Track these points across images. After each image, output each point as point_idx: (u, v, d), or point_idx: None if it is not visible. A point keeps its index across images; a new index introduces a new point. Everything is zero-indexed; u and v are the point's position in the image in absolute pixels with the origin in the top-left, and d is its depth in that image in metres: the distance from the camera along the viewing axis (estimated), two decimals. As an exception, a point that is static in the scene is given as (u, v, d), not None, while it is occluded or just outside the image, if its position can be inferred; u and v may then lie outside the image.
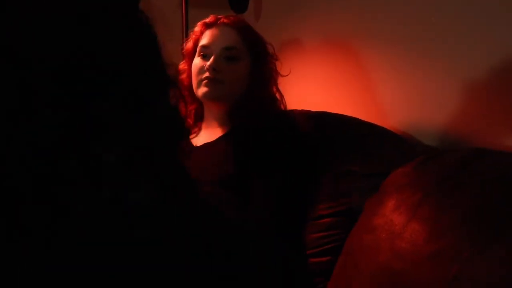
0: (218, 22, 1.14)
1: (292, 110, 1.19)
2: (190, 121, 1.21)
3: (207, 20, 1.17)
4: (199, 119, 1.22)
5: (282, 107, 1.19)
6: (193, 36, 1.18)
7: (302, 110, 1.29)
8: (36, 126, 0.32)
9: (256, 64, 1.15)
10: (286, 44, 1.62)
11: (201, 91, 1.11)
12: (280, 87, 1.23)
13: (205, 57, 1.13)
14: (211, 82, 1.09)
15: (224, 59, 1.11)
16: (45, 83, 0.34)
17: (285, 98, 1.22)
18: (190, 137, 1.19)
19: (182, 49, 1.21)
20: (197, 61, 1.14)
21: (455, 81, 1.09)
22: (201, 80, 1.11)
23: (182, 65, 1.21)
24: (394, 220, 0.83)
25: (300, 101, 1.47)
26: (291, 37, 1.61)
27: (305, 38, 1.57)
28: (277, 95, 1.19)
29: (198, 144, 1.15)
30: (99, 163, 0.34)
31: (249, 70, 1.14)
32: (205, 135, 1.17)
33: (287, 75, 1.23)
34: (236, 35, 1.12)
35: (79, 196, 0.34)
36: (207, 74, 1.10)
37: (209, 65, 1.09)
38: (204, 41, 1.14)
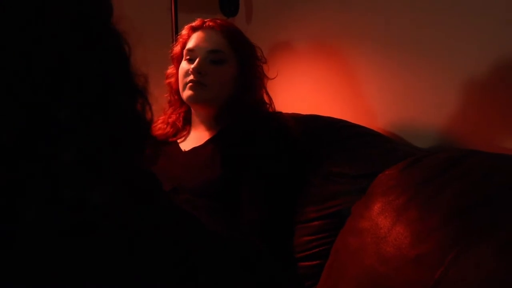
0: (204, 25, 1.14)
1: (280, 113, 1.18)
2: (178, 124, 1.20)
3: (193, 23, 1.17)
4: (187, 123, 1.21)
5: (271, 110, 1.18)
6: (181, 40, 1.18)
7: (291, 113, 1.29)
8: None
9: (243, 67, 1.14)
10: (277, 47, 1.62)
11: (186, 94, 1.11)
12: (270, 90, 1.23)
13: (190, 61, 1.13)
14: (195, 85, 1.09)
15: (209, 62, 1.10)
16: (1, 85, 0.33)
17: (275, 102, 1.22)
18: (179, 141, 1.19)
19: (171, 53, 1.21)
20: (183, 65, 1.14)
21: (444, 83, 1.09)
22: (186, 84, 1.11)
23: (171, 69, 1.21)
24: (380, 224, 0.83)
25: (290, 104, 1.47)
26: (282, 40, 1.61)
27: (296, 41, 1.57)
28: (266, 99, 1.18)
29: (187, 149, 1.14)
30: (56, 163, 0.34)
31: (236, 73, 1.14)
32: (194, 139, 1.17)
33: (274, 78, 1.22)
34: (222, 38, 1.12)
35: (36, 195, 0.34)
36: (191, 77, 1.10)
37: (193, 68, 1.09)
38: (189, 44, 1.14)
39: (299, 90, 1.54)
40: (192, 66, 1.09)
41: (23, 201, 0.33)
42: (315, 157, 1.10)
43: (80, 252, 0.35)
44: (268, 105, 1.18)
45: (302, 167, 1.09)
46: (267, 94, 1.20)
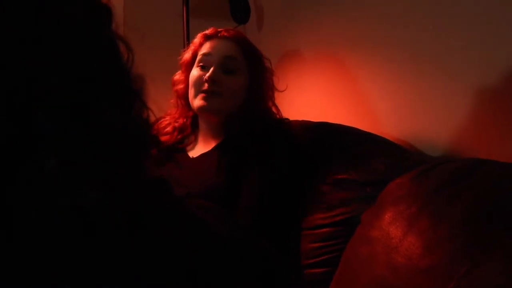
0: (219, 34, 1.15)
1: (287, 119, 1.18)
2: (186, 130, 1.20)
3: (207, 32, 1.17)
4: (195, 128, 1.21)
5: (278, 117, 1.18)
6: (192, 47, 1.18)
7: (301, 121, 1.29)
8: None
9: (253, 78, 1.14)
10: (287, 54, 1.63)
11: (197, 103, 1.11)
12: (280, 98, 1.23)
13: (203, 68, 1.13)
14: (209, 95, 1.09)
15: (223, 71, 1.11)
16: None
17: (285, 109, 1.22)
18: (187, 148, 1.19)
19: (180, 59, 1.21)
20: (195, 72, 1.14)
21: (455, 91, 1.08)
22: (199, 92, 1.11)
23: (179, 76, 1.21)
24: (391, 233, 0.82)
25: (299, 111, 1.47)
26: (292, 47, 1.62)
27: (305, 49, 1.57)
28: (273, 109, 1.18)
29: (195, 155, 1.14)
30: (40, 170, 0.34)
31: (247, 83, 1.14)
32: (201, 145, 1.17)
33: (283, 91, 1.22)
34: (236, 47, 1.13)
35: (23, 203, 0.34)
36: (205, 86, 1.09)
37: (208, 76, 1.08)
38: (204, 50, 1.14)
39: (309, 97, 1.54)
40: (208, 74, 1.09)
41: (18, 208, 0.34)
42: (324, 163, 1.09)
43: (79, 252, 0.36)
44: (275, 115, 1.18)
45: (308, 172, 1.09)
46: (275, 105, 1.19)
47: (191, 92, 1.14)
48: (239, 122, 1.11)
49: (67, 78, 0.36)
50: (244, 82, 1.13)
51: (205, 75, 1.09)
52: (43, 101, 0.35)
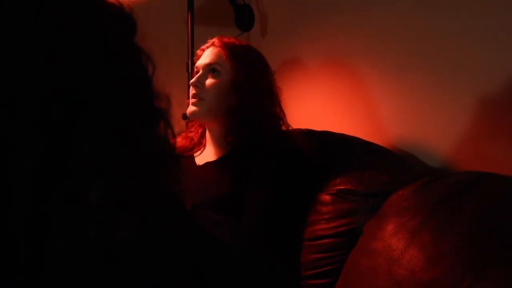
0: (210, 44, 1.18)
1: (289, 131, 1.18)
2: (195, 138, 1.23)
3: (203, 46, 1.20)
4: (204, 137, 1.23)
5: (284, 127, 1.18)
6: (195, 59, 1.22)
7: (304, 129, 1.29)
8: (15, 168, 0.32)
9: (243, 79, 1.13)
10: (291, 63, 1.63)
11: (188, 110, 1.15)
12: (284, 105, 1.22)
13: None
14: (195, 99, 1.13)
15: (207, 74, 1.14)
16: (24, 122, 0.33)
17: (288, 117, 1.21)
18: (195, 155, 1.20)
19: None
20: None
21: (459, 102, 1.08)
22: (190, 99, 1.15)
23: None
24: (393, 245, 0.82)
25: (303, 119, 1.47)
26: (296, 55, 1.62)
27: (309, 57, 1.57)
28: (280, 114, 1.18)
29: (201, 163, 1.15)
30: (85, 203, 0.33)
31: (234, 84, 1.13)
32: (208, 154, 1.18)
33: (282, 94, 1.22)
34: (220, 52, 1.14)
35: (64, 235, 0.33)
36: (192, 92, 1.14)
37: (191, 82, 1.14)
38: (196, 63, 1.19)
39: (312, 105, 1.54)
40: (191, 80, 1.15)
41: (51, 238, 0.33)
42: (327, 174, 1.09)
43: (96, 276, 0.35)
44: (281, 121, 1.18)
45: (310, 183, 1.09)
46: (281, 109, 1.19)
47: None
48: (243, 135, 1.11)
49: (111, 98, 0.36)
50: (229, 82, 1.13)
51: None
52: (86, 128, 0.34)
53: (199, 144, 1.22)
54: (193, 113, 1.13)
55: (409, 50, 1.21)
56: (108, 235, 0.34)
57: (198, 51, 1.21)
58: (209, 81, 1.12)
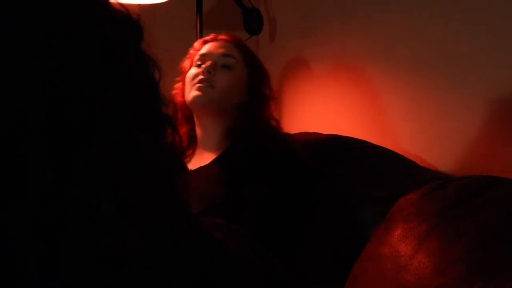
0: (217, 38, 1.15)
1: (288, 134, 1.16)
2: (184, 144, 1.16)
3: (207, 37, 1.17)
4: (192, 142, 1.17)
5: (280, 130, 1.15)
6: (191, 52, 1.17)
7: (312, 133, 1.28)
8: (30, 180, 0.32)
9: (252, 80, 1.12)
10: (300, 66, 1.62)
11: (191, 95, 1.08)
12: (292, 109, 1.22)
13: (200, 66, 1.11)
14: (204, 85, 1.06)
15: (220, 65, 1.10)
16: (36, 136, 0.33)
17: (296, 121, 1.21)
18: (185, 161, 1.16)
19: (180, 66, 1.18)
20: (192, 70, 1.12)
21: (468, 106, 1.07)
22: (194, 85, 1.08)
23: (177, 88, 1.18)
24: (400, 251, 0.80)
25: (312, 123, 1.46)
26: (305, 59, 1.61)
27: (318, 60, 1.57)
28: (273, 122, 1.15)
29: (192, 168, 1.10)
30: (96, 213, 0.33)
31: (244, 83, 1.12)
32: (199, 158, 1.13)
33: (278, 97, 1.21)
34: (234, 47, 1.13)
35: (76, 243, 0.33)
36: (200, 77, 1.07)
37: (205, 67, 1.08)
38: (202, 51, 1.14)
39: (320, 109, 1.53)
40: (204, 65, 1.08)
41: (63, 244, 0.33)
42: (334, 177, 1.08)
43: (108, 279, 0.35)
44: (277, 126, 1.15)
45: (314, 187, 1.07)
46: (274, 118, 1.16)
47: (186, 89, 1.11)
48: (239, 134, 1.08)
49: (118, 106, 0.36)
50: (241, 80, 1.11)
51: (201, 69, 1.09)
52: (96, 138, 0.34)
53: (188, 149, 1.17)
54: (197, 98, 1.06)
55: (417, 53, 1.20)
56: (120, 242, 0.34)
57: (200, 44, 1.16)
58: (222, 71, 1.08)
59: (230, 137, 1.10)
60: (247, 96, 1.12)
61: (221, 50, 1.11)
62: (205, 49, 1.13)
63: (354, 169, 1.09)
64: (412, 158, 1.13)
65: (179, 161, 0.44)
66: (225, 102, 1.09)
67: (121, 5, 0.43)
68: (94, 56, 0.36)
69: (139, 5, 1.35)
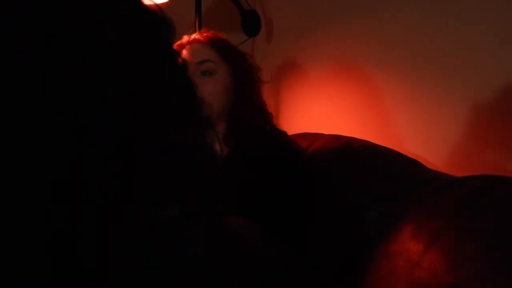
0: (191, 39, 1.13)
1: (286, 134, 1.16)
2: None
3: (182, 41, 1.14)
4: None
5: (274, 123, 1.15)
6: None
7: (314, 133, 1.29)
8: (91, 193, 0.32)
9: (236, 77, 1.10)
10: (297, 68, 1.63)
11: None
12: (290, 110, 1.23)
13: None
14: None
15: (199, 74, 1.08)
16: (96, 152, 0.33)
17: (292, 122, 1.22)
18: None
19: None
20: None
21: (471, 106, 1.09)
22: None
23: None
24: (412, 248, 0.82)
25: (311, 124, 1.47)
26: (302, 60, 1.63)
27: (315, 62, 1.58)
28: (264, 109, 1.14)
29: None
30: (162, 219, 0.33)
31: (229, 83, 1.10)
32: None
33: (268, 82, 1.19)
34: (209, 48, 1.10)
35: (141, 251, 0.33)
36: None
37: None
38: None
39: (319, 110, 1.54)
40: None
41: (131, 260, 0.33)
42: (342, 178, 1.09)
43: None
44: (270, 116, 1.15)
45: (316, 188, 1.08)
46: (263, 101, 1.14)
47: None
48: (237, 138, 1.08)
49: (163, 116, 0.35)
50: (225, 82, 1.09)
51: None
52: (147, 150, 0.34)
53: None
54: None
55: (418, 55, 1.22)
56: (184, 251, 0.34)
57: (175, 47, 1.15)
58: (203, 81, 1.06)
59: (228, 143, 1.09)
60: (236, 95, 1.11)
61: (197, 58, 1.08)
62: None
63: (361, 169, 1.10)
64: (416, 158, 1.15)
65: (215, 163, 0.44)
66: (216, 109, 1.08)
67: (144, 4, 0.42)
68: (99, 56, 0.36)
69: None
